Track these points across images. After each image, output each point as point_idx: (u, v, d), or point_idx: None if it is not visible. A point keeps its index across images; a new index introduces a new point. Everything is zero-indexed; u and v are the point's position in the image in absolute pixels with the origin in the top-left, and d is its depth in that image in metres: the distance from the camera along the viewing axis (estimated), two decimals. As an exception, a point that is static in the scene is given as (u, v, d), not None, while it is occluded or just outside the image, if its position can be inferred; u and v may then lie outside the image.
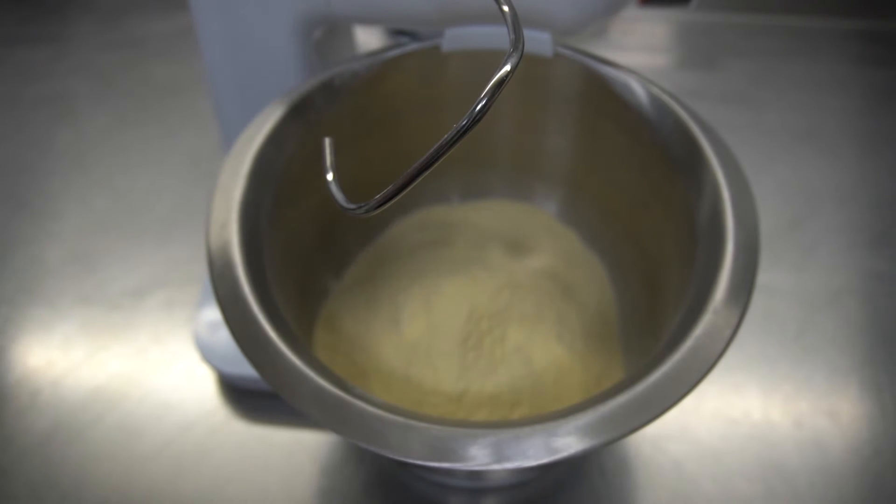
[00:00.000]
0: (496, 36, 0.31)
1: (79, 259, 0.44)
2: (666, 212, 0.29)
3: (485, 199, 0.38)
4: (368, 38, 0.55)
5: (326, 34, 0.35)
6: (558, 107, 0.33)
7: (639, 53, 0.58)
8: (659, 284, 0.30)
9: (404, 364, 0.32)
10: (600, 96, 0.31)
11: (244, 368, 0.36)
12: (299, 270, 0.31)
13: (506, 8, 0.19)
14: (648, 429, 0.23)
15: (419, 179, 0.18)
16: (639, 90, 0.29)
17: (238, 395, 0.38)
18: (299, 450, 0.35)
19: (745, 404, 0.37)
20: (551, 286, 0.35)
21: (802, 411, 0.36)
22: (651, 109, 0.29)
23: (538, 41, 0.30)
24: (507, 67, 0.18)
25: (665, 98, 0.29)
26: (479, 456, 0.19)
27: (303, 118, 0.29)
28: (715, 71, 0.56)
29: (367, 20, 0.31)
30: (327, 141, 0.24)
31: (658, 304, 0.29)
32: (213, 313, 0.38)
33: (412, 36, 0.51)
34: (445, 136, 0.18)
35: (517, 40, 0.18)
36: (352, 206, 0.21)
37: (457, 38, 0.31)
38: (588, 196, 0.35)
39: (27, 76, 0.57)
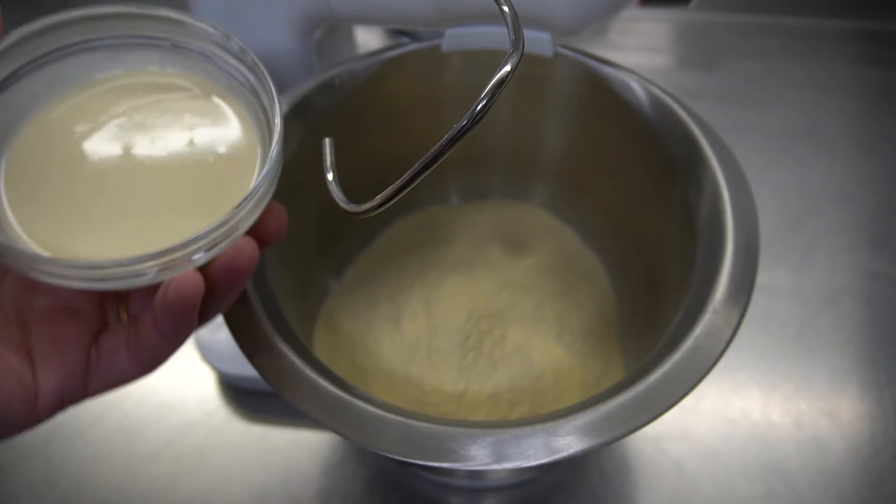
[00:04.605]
0: (496, 36, 0.31)
1: (79, 259, 0.44)
2: (666, 212, 0.29)
3: (484, 199, 0.38)
4: (368, 38, 0.54)
5: (326, 34, 0.35)
6: (558, 107, 0.33)
7: (638, 53, 0.58)
8: (659, 284, 0.30)
9: (404, 364, 0.32)
10: (600, 96, 0.31)
11: (244, 368, 0.36)
12: (299, 270, 0.31)
13: (506, 8, 0.19)
14: (648, 429, 0.23)
15: (420, 179, 0.19)
16: (639, 90, 0.29)
17: (238, 395, 0.38)
18: (299, 450, 0.35)
19: (744, 404, 0.37)
20: (551, 286, 0.35)
21: (802, 411, 0.36)
22: (651, 109, 0.29)
23: (538, 41, 0.30)
24: (508, 67, 0.18)
25: (665, 98, 0.29)
26: (479, 456, 0.19)
27: (303, 118, 0.29)
28: (714, 71, 0.56)
29: (367, 20, 0.31)
30: (327, 141, 0.24)
31: (658, 304, 0.29)
32: (213, 313, 0.38)
33: (412, 36, 0.51)
34: (446, 136, 0.18)
35: (517, 40, 0.18)
36: (352, 206, 0.21)
37: (457, 39, 0.31)
38: (588, 196, 0.35)
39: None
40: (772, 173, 0.48)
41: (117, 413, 0.37)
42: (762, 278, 0.38)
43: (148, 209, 0.21)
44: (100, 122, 0.22)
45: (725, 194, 0.25)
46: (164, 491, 0.34)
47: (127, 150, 0.22)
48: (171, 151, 0.22)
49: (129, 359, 0.20)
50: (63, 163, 0.21)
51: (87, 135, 0.22)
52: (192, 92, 0.23)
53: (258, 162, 0.22)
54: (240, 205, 0.19)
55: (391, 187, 0.19)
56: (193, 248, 0.18)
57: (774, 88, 0.54)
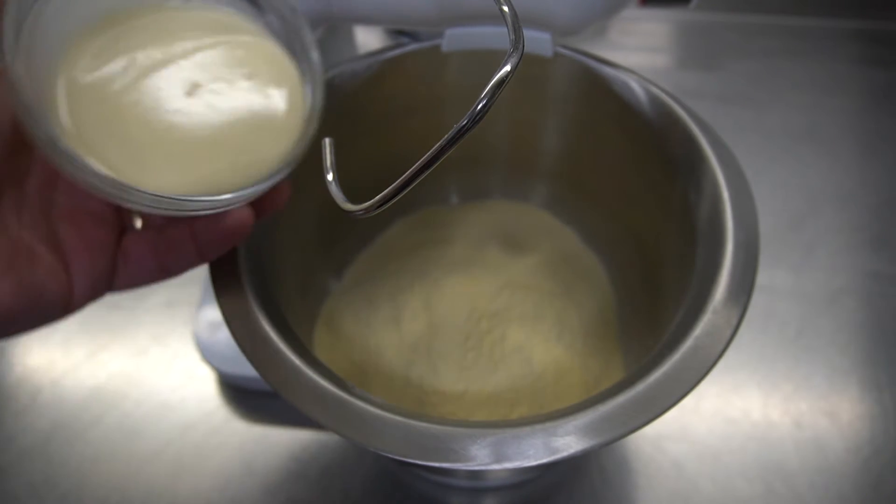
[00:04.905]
0: (496, 36, 0.31)
1: (79, 259, 0.44)
2: (666, 211, 0.29)
3: (484, 199, 0.38)
4: (368, 38, 0.55)
5: (326, 34, 0.35)
6: (558, 107, 0.33)
7: (638, 53, 0.58)
8: (659, 284, 0.30)
9: (404, 364, 0.32)
10: (600, 96, 0.31)
11: (244, 368, 0.36)
12: (299, 270, 0.31)
13: (506, 8, 0.19)
14: (648, 429, 0.23)
15: (419, 179, 0.18)
16: (639, 90, 0.29)
17: (238, 395, 0.38)
18: (299, 450, 0.35)
19: (744, 404, 0.37)
20: (551, 286, 0.35)
21: (802, 411, 0.36)
22: (651, 109, 0.29)
23: (538, 41, 0.30)
24: (508, 68, 0.18)
25: (665, 98, 0.29)
26: (479, 456, 0.19)
27: (303, 118, 0.29)
28: (715, 71, 0.56)
29: (367, 20, 0.31)
30: (327, 141, 0.24)
31: (658, 304, 0.29)
32: (213, 313, 0.38)
33: (412, 36, 0.51)
34: (446, 136, 0.18)
35: (517, 40, 0.18)
36: (352, 206, 0.21)
37: (457, 39, 0.31)
38: (588, 196, 0.35)
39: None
40: (772, 173, 0.48)
41: (117, 413, 0.37)
42: (762, 278, 0.38)
43: (200, 145, 0.22)
44: (155, 53, 0.22)
45: (725, 194, 0.25)
46: (164, 491, 0.34)
47: (180, 83, 0.22)
48: (221, 90, 0.22)
49: (157, 266, 0.22)
50: (120, 91, 0.21)
51: (144, 64, 0.21)
52: (238, 30, 0.23)
53: (303, 107, 0.24)
54: (291, 159, 0.22)
55: (391, 187, 0.19)
56: (255, 192, 0.22)
57: (775, 88, 0.54)
